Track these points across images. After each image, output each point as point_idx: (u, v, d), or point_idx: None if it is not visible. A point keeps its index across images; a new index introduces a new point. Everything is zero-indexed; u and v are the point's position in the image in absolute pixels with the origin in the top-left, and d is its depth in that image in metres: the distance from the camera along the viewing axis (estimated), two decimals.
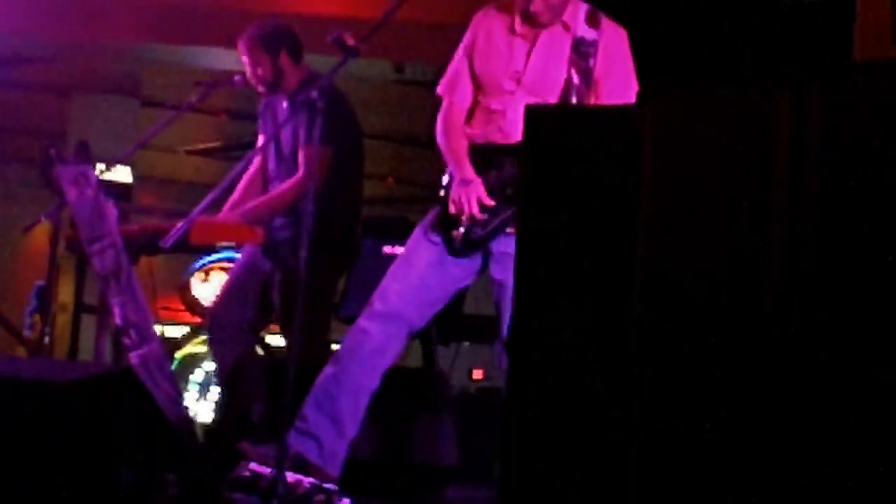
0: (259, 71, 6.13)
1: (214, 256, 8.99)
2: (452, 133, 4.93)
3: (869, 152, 2.78)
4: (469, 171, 4.81)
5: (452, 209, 4.79)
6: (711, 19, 5.87)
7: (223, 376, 6.32)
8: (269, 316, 6.37)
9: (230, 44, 6.51)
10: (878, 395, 2.73)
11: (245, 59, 6.16)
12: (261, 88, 6.19)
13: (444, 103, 5.01)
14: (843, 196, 2.81)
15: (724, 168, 3.01)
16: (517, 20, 4.84)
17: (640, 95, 3.21)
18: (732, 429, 2.93)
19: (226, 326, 6.23)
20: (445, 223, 4.86)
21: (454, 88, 4.98)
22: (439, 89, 5.02)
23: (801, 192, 2.86)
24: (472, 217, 4.77)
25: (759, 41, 5.54)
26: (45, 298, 7.38)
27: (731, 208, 2.98)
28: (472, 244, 4.82)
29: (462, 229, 4.79)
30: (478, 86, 4.93)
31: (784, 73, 2.95)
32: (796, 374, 2.85)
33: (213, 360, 6.69)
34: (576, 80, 4.75)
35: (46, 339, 7.61)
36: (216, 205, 5.81)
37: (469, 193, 4.75)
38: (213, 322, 6.36)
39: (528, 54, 4.83)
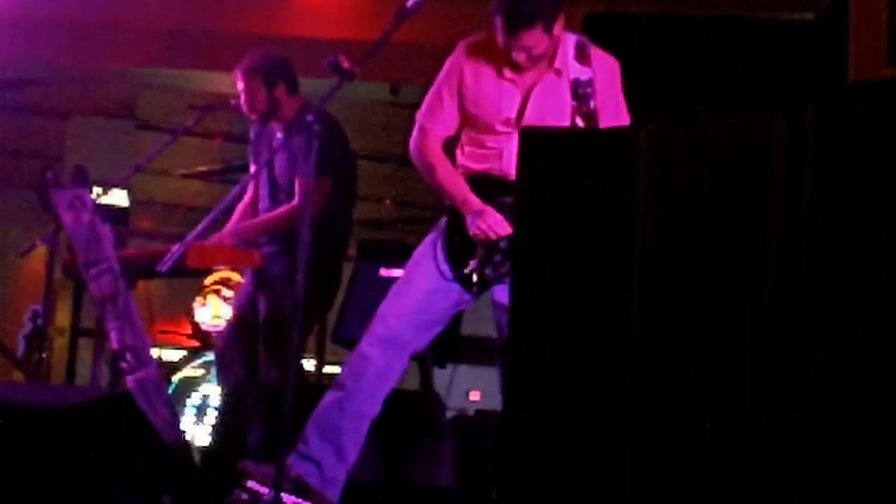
0: (255, 102, 6.11)
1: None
2: (441, 165, 4.90)
3: (864, 174, 2.79)
4: (478, 202, 4.79)
5: (479, 239, 4.75)
6: (707, 40, 5.89)
7: (227, 400, 6.32)
8: None
9: (227, 67, 6.52)
10: (869, 408, 2.74)
11: (241, 87, 6.15)
12: (254, 118, 6.19)
13: (419, 128, 4.98)
14: (839, 219, 2.82)
15: (719, 192, 3.01)
16: (505, 65, 4.78)
17: (635, 121, 3.22)
18: (729, 462, 2.93)
19: (231, 354, 6.22)
20: (455, 257, 4.83)
21: (434, 116, 4.93)
22: (419, 115, 4.98)
23: (797, 216, 2.87)
24: (484, 254, 4.75)
25: (754, 61, 5.56)
26: (41, 322, 7.38)
27: (726, 232, 2.99)
28: (485, 284, 4.81)
29: (474, 264, 4.77)
30: (467, 120, 4.89)
31: (779, 97, 2.96)
32: (793, 396, 2.85)
33: (219, 385, 6.68)
34: (581, 126, 4.69)
35: (44, 363, 7.62)
36: (213, 228, 5.81)
37: (489, 223, 4.73)
38: (219, 350, 6.36)
39: (523, 102, 4.78)
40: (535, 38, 4.63)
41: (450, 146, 5.01)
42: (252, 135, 6.38)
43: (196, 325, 9.18)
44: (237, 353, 6.20)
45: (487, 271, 4.77)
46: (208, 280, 9.04)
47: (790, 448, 2.84)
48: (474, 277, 4.78)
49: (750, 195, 2.96)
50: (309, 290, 4.65)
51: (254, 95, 6.11)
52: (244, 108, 6.16)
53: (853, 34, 3.45)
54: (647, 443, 3.06)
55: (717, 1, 8.46)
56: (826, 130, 2.86)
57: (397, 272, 5.41)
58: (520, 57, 4.68)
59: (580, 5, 5.58)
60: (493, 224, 4.73)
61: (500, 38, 4.66)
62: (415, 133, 4.99)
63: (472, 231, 4.75)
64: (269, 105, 6.10)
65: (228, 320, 6.45)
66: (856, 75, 3.38)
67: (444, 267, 4.85)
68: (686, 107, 3.21)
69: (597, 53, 4.80)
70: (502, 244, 4.73)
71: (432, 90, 4.96)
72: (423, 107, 4.98)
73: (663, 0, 8.66)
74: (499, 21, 4.63)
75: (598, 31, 5.08)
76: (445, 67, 4.93)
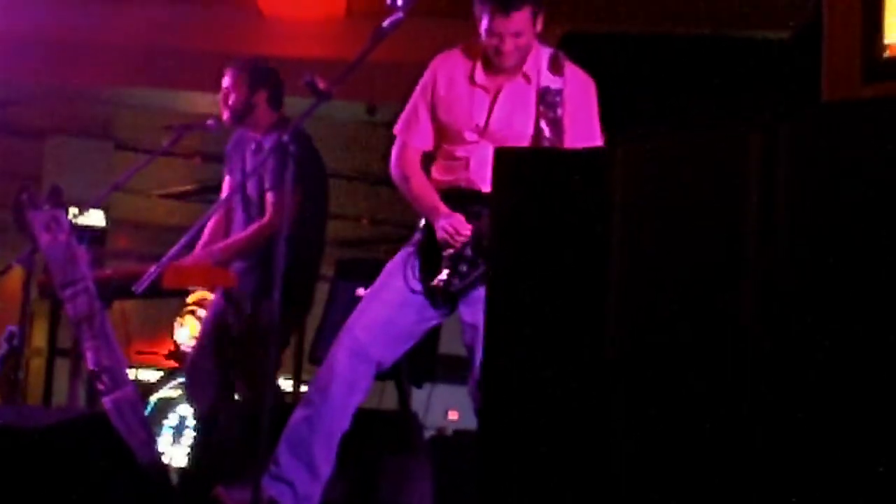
0: (231, 97, 6.09)
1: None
2: (416, 177, 4.94)
3: (837, 192, 2.80)
4: (445, 209, 4.82)
5: (447, 251, 4.77)
6: (683, 58, 5.90)
7: (200, 420, 6.31)
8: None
9: (204, 87, 6.52)
10: (848, 428, 2.75)
11: (226, 82, 6.12)
12: (225, 115, 6.13)
13: (399, 143, 5.01)
14: (813, 236, 2.83)
15: (694, 209, 3.02)
16: (478, 69, 4.83)
17: (610, 139, 3.23)
18: (706, 470, 2.94)
19: (201, 373, 6.21)
20: (424, 270, 4.85)
21: (410, 130, 4.98)
22: (396, 129, 5.02)
23: (771, 233, 2.88)
24: (451, 266, 4.77)
25: (730, 79, 5.57)
26: (17, 343, 7.35)
27: (702, 249, 2.99)
28: (451, 296, 4.83)
29: (443, 275, 4.79)
30: (439, 131, 4.93)
31: (754, 115, 2.96)
32: (771, 421, 2.86)
33: (190, 405, 6.67)
34: (546, 131, 4.74)
35: (20, 384, 7.58)
36: (189, 248, 5.80)
37: (454, 224, 4.76)
38: (189, 369, 6.35)
39: (491, 107, 4.83)
40: (524, 21, 4.69)
41: (427, 163, 5.03)
42: (228, 149, 6.36)
43: (176, 345, 9.18)
44: (207, 371, 6.19)
45: (455, 281, 4.79)
46: (190, 299, 9.03)
47: (771, 453, 2.85)
48: (441, 288, 4.79)
49: (725, 213, 2.97)
50: (284, 308, 4.64)
51: (233, 90, 6.08)
52: (219, 102, 6.12)
53: (827, 53, 3.47)
54: (627, 464, 3.06)
55: (693, 20, 8.51)
56: (799, 149, 2.87)
57: None
58: (507, 45, 4.71)
59: (557, 23, 5.59)
60: (457, 226, 4.75)
61: (486, 26, 4.69)
62: (394, 148, 5.02)
63: (439, 234, 4.78)
64: (243, 105, 6.08)
65: (197, 338, 6.43)
66: (829, 94, 3.39)
67: (414, 281, 4.87)
68: (662, 125, 3.21)
69: (571, 68, 4.85)
70: (468, 253, 4.75)
71: (409, 104, 5.00)
72: (401, 121, 5.01)
73: (640, 19, 8.71)
74: (488, 6, 4.65)
75: (575, 49, 5.09)
76: (421, 81, 4.98)
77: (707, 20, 8.57)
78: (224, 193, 6.35)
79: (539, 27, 4.75)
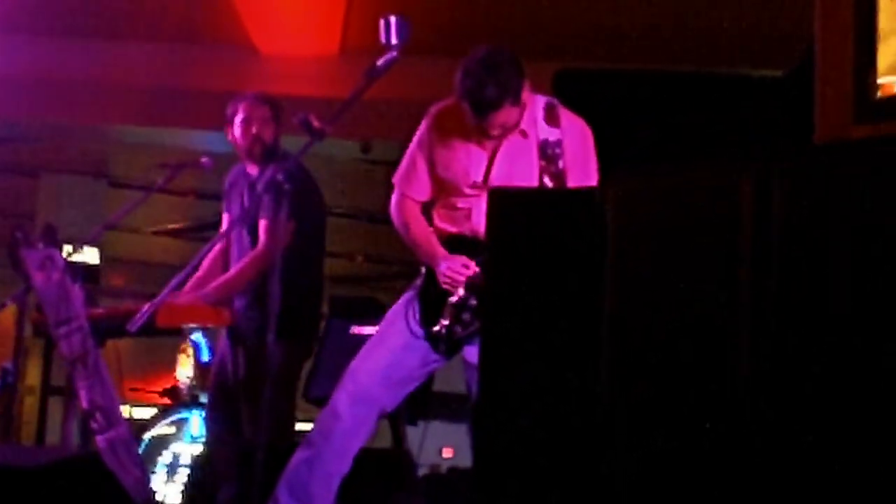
0: (265, 131, 5.95)
1: None
2: (416, 225, 4.94)
3: (829, 233, 2.81)
4: (445, 253, 4.81)
5: (447, 286, 4.76)
6: (676, 96, 5.91)
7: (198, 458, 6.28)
8: None
9: (198, 125, 6.51)
10: (837, 468, 2.75)
11: (244, 115, 6.00)
12: (255, 148, 6.00)
13: (398, 193, 5.01)
14: (806, 274, 2.83)
15: (687, 249, 3.03)
16: (472, 128, 4.80)
17: (603, 178, 3.23)
18: (712, 492, 2.94)
19: (214, 414, 6.17)
20: (426, 316, 4.85)
21: (409, 182, 4.97)
22: (395, 178, 5.02)
23: (764, 272, 2.88)
24: (453, 313, 4.76)
25: (723, 118, 5.58)
26: (10, 380, 7.34)
27: (694, 288, 3.00)
28: (453, 343, 4.82)
29: (444, 322, 4.78)
30: (438, 184, 4.92)
31: (747, 155, 2.97)
32: (766, 447, 2.86)
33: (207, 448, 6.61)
34: (550, 185, 4.73)
35: (13, 422, 7.57)
36: (183, 286, 5.78)
37: (453, 266, 4.75)
38: (207, 414, 6.31)
39: (489, 164, 4.80)
40: (505, 115, 4.68)
41: (427, 207, 5.04)
42: (225, 185, 6.29)
43: (175, 381, 9.15)
44: (218, 411, 6.16)
45: (457, 329, 4.78)
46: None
47: (766, 481, 2.85)
48: (443, 335, 4.79)
49: (718, 252, 2.97)
50: (287, 346, 4.63)
51: (265, 124, 5.96)
52: (245, 140, 5.98)
53: (819, 93, 3.47)
54: (625, 498, 3.06)
55: (686, 57, 8.54)
56: (792, 190, 2.88)
57: (369, 329, 5.40)
58: (494, 132, 4.71)
59: (550, 60, 5.60)
60: (458, 267, 4.74)
61: (470, 119, 4.69)
62: (393, 196, 5.02)
63: (441, 279, 4.77)
64: (275, 139, 5.99)
65: (212, 377, 6.40)
66: (821, 135, 3.40)
67: (415, 326, 4.86)
68: (655, 163, 3.22)
69: (567, 115, 4.84)
70: (472, 303, 4.74)
71: (407, 156, 4.99)
72: (400, 172, 5.00)
73: (633, 56, 8.74)
74: (466, 106, 4.66)
75: (567, 86, 5.10)
76: (417, 135, 4.96)
77: (700, 57, 8.60)
78: (223, 229, 6.31)
79: (525, 97, 4.73)
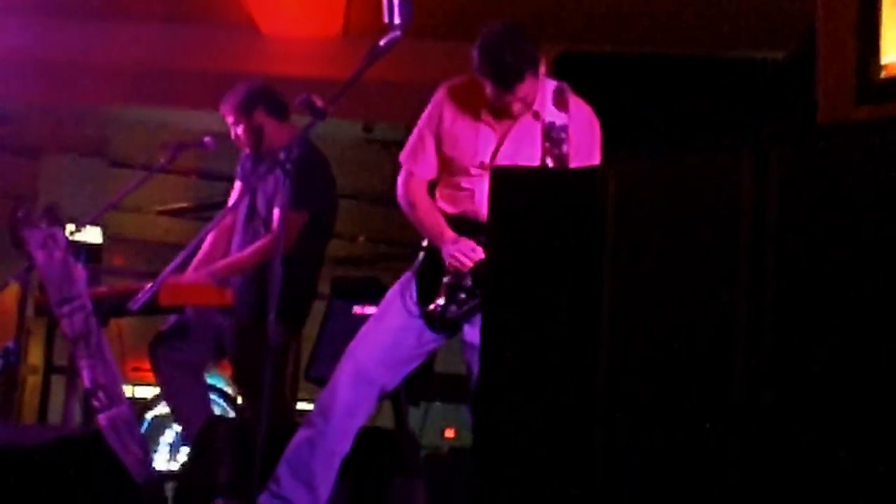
0: (239, 137, 6.10)
1: None
2: (422, 203, 4.94)
3: (831, 214, 2.81)
4: (453, 234, 4.82)
5: (453, 267, 4.77)
6: (677, 78, 5.92)
7: (187, 437, 6.28)
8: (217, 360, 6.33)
9: (200, 105, 6.52)
10: (839, 462, 2.75)
11: (229, 120, 6.13)
12: (246, 150, 6.17)
13: (405, 171, 5.02)
14: (806, 258, 2.83)
15: (686, 231, 3.03)
16: (484, 108, 4.82)
17: (604, 159, 3.24)
18: (709, 489, 2.94)
19: (171, 361, 6.17)
20: (423, 294, 4.86)
21: (416, 159, 4.98)
22: (402, 156, 5.02)
23: (765, 255, 2.88)
24: (450, 293, 4.78)
25: (725, 100, 5.58)
26: (13, 360, 7.35)
27: (693, 271, 3.00)
28: (448, 323, 4.84)
29: (440, 301, 4.80)
30: (444, 162, 4.93)
31: (747, 138, 2.97)
32: (762, 437, 2.86)
33: (177, 423, 6.64)
34: (551, 167, 4.73)
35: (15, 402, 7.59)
36: (186, 265, 5.80)
37: (463, 250, 4.76)
38: (157, 355, 6.27)
39: (497, 145, 4.82)
40: (528, 87, 4.67)
41: (431, 188, 5.04)
42: (242, 158, 6.34)
43: None
44: (178, 367, 6.17)
45: (452, 308, 4.79)
46: None
47: (766, 477, 2.85)
48: (438, 314, 4.80)
49: (717, 235, 2.97)
50: (284, 325, 4.64)
51: (235, 131, 6.10)
52: (235, 142, 6.15)
53: (821, 75, 3.47)
54: (619, 486, 3.07)
55: (688, 40, 8.53)
56: (791, 172, 2.88)
57: (371, 310, 5.41)
58: (515, 107, 4.71)
59: (552, 44, 5.60)
60: (467, 251, 4.75)
61: (491, 94, 4.69)
62: (400, 175, 5.02)
63: (448, 260, 4.78)
64: (252, 136, 6.07)
65: (164, 330, 6.40)
66: (824, 116, 3.40)
67: (412, 305, 4.88)
68: (656, 146, 3.22)
69: (575, 101, 4.84)
70: (467, 282, 4.75)
71: (415, 133, 4.99)
72: (407, 149, 5.00)
73: (635, 39, 8.73)
74: (489, 81, 4.65)
75: (569, 69, 5.10)
76: (427, 110, 4.96)
77: (702, 40, 8.59)
78: (231, 201, 6.33)
79: (542, 71, 4.73)
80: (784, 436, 2.83)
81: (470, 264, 4.73)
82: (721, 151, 3.01)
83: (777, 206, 2.86)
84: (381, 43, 4.69)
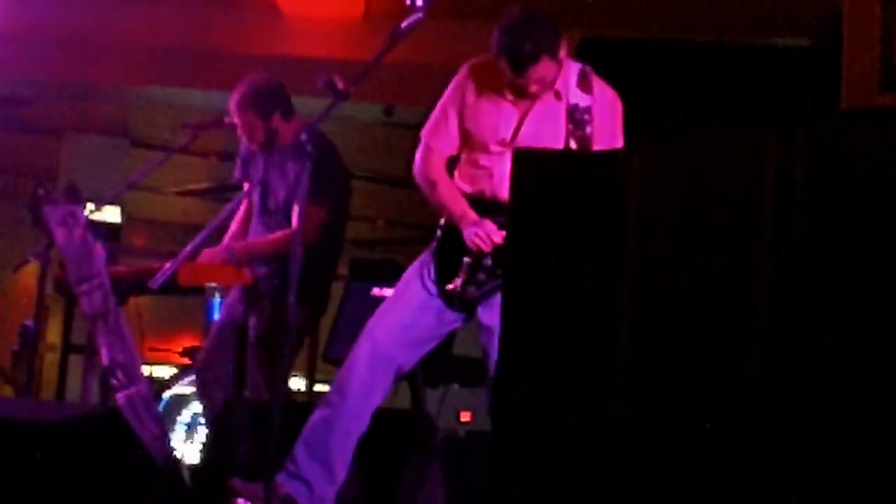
0: (254, 134, 6.11)
1: None
2: (443, 182, 4.95)
3: (852, 199, 2.80)
4: (475, 215, 4.83)
5: (475, 248, 4.78)
6: (702, 65, 5.90)
7: (211, 418, 6.32)
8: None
9: (221, 86, 6.51)
10: (859, 434, 2.75)
11: (237, 120, 6.14)
12: (254, 148, 6.18)
13: (424, 146, 5.02)
14: (828, 243, 2.83)
15: (709, 215, 3.02)
16: (507, 88, 4.82)
17: (628, 142, 3.23)
18: (723, 469, 2.94)
19: (216, 373, 6.22)
20: (441, 274, 4.87)
21: (437, 135, 4.98)
22: (423, 132, 5.03)
23: (785, 238, 2.88)
24: (469, 273, 4.78)
25: (749, 87, 5.57)
26: (31, 338, 7.37)
27: (715, 254, 2.99)
28: (466, 302, 4.84)
29: (459, 281, 4.80)
30: (465, 138, 4.93)
31: (770, 121, 2.97)
32: (782, 422, 2.86)
33: (201, 403, 6.69)
34: (575, 149, 4.74)
35: (33, 379, 7.60)
36: (204, 246, 5.81)
37: (486, 230, 4.76)
38: (202, 368, 6.35)
39: (519, 123, 4.82)
40: (543, 69, 4.69)
41: (451, 168, 5.04)
42: (244, 150, 6.36)
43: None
44: (223, 368, 6.19)
45: (471, 289, 4.80)
46: None
47: (784, 457, 2.85)
48: (457, 294, 4.81)
49: (740, 218, 2.97)
50: (303, 308, 4.65)
51: (251, 128, 6.11)
52: (244, 139, 6.17)
53: (846, 62, 3.47)
54: (641, 468, 3.06)
55: (712, 26, 8.50)
56: (816, 156, 2.87)
57: (389, 291, 5.41)
58: (533, 88, 4.72)
59: (576, 29, 5.59)
60: (490, 232, 4.75)
61: (508, 75, 4.70)
62: (419, 151, 5.02)
63: (470, 240, 4.78)
64: (267, 135, 6.09)
65: (213, 333, 6.42)
66: (847, 103, 3.39)
67: (430, 284, 4.88)
68: (679, 130, 3.21)
69: (599, 84, 4.85)
70: (487, 262, 4.76)
71: (437, 108, 5.00)
72: (428, 125, 5.01)
73: (658, 24, 8.71)
74: (504, 63, 4.67)
75: (592, 54, 5.09)
76: (451, 86, 4.97)
77: (726, 27, 8.56)
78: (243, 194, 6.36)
79: (563, 54, 4.74)
80: (797, 417, 2.82)
81: (490, 246, 4.74)
82: (745, 135, 3.00)
83: (799, 189, 2.86)
84: (403, 25, 4.68)
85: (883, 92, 3.34)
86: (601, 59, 5.05)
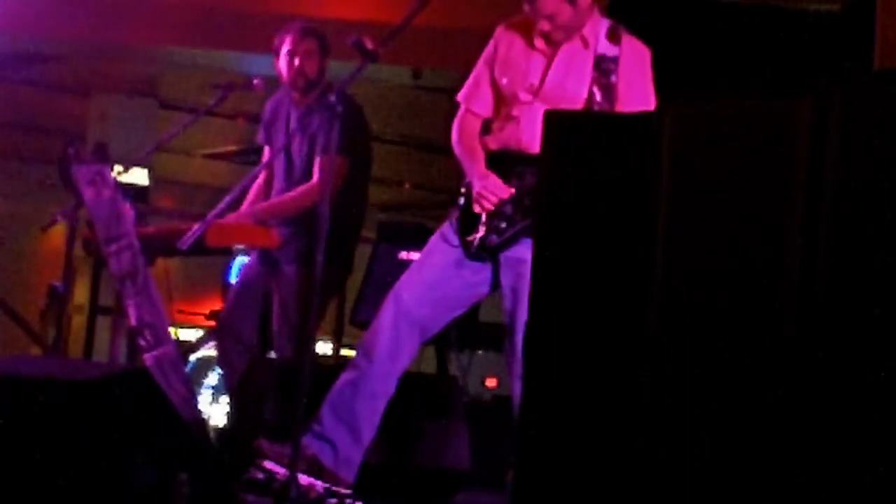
0: (308, 65, 6.03)
1: None
2: (466, 138, 4.97)
3: (889, 161, 2.77)
4: (483, 168, 4.84)
5: (476, 208, 4.80)
6: (733, 27, 5.87)
7: (230, 382, 6.32)
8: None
9: (251, 48, 6.49)
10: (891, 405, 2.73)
11: (290, 48, 6.05)
12: (298, 81, 6.07)
13: (461, 110, 5.04)
14: (862, 205, 2.80)
15: (742, 176, 3.00)
16: (537, 35, 4.85)
17: (660, 103, 3.20)
18: (748, 438, 2.92)
19: (231, 337, 6.23)
20: (464, 227, 4.87)
21: (472, 97, 5.00)
22: (459, 96, 5.05)
23: (819, 201, 2.86)
24: (490, 223, 4.78)
25: (780, 50, 5.54)
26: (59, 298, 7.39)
27: (748, 216, 2.97)
28: (488, 250, 4.83)
29: (480, 232, 4.81)
30: (498, 94, 4.94)
31: (805, 83, 2.94)
32: (816, 389, 2.84)
33: (220, 367, 6.70)
34: (598, 96, 4.76)
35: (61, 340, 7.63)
36: (232, 208, 5.81)
37: (488, 185, 4.77)
38: (220, 331, 6.36)
39: (546, 69, 4.84)
40: (552, 5, 4.70)
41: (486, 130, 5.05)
42: (267, 113, 6.33)
43: None
44: (243, 332, 6.20)
45: (493, 237, 4.80)
46: None
47: (814, 439, 2.83)
48: (477, 244, 4.81)
49: (773, 178, 2.94)
50: (329, 270, 4.65)
51: (309, 57, 6.03)
52: (289, 73, 6.06)
53: (879, 24, 3.44)
54: (667, 432, 3.05)
55: None
56: (851, 115, 2.84)
57: (416, 255, 5.42)
58: (544, 26, 4.74)
59: None
60: (492, 187, 4.76)
61: (526, 7, 4.72)
62: (458, 113, 5.04)
63: (474, 195, 4.79)
64: (319, 73, 6.05)
65: (231, 296, 6.41)
66: (881, 64, 3.37)
67: (453, 237, 4.89)
68: (710, 91, 3.19)
69: (629, 38, 4.86)
70: (507, 210, 4.76)
71: (473, 73, 5.03)
72: (464, 88, 5.05)
73: None
74: (525, 5, 4.69)
75: (624, 13, 5.07)
76: (485, 50, 5.01)
77: None
78: (265, 158, 6.34)
79: (584, 3, 4.74)
80: (833, 378, 2.81)
81: (493, 202, 4.75)
82: (779, 94, 2.98)
83: (835, 150, 2.83)
84: None
85: None
86: (632, 19, 5.03)
